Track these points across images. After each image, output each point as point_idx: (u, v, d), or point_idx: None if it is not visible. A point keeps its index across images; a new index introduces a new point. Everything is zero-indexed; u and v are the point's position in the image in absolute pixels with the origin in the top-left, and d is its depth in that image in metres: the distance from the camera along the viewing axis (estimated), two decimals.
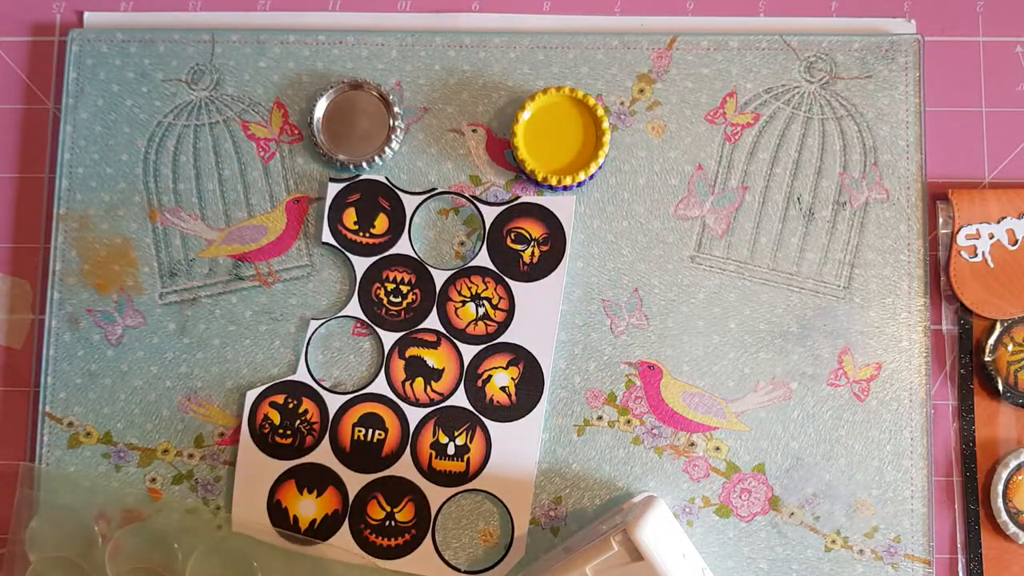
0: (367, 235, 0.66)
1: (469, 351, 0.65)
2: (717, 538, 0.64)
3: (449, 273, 0.65)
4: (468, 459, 0.64)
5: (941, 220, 0.66)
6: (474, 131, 0.67)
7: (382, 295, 0.65)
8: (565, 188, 0.65)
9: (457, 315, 0.65)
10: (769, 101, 0.67)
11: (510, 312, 0.65)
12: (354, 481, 0.64)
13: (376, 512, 0.64)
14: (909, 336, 0.65)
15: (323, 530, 0.64)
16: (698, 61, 0.67)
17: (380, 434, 0.64)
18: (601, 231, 0.66)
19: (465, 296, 0.65)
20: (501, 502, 0.64)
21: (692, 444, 0.65)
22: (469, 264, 0.65)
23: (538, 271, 0.65)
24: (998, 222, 0.66)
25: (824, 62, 0.67)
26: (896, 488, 0.64)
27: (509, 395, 0.65)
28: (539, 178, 0.65)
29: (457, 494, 0.64)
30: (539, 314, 0.65)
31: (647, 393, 0.65)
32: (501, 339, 0.65)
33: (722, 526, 0.64)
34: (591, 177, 0.65)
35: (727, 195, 0.66)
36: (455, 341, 0.65)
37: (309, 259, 0.66)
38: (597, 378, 0.65)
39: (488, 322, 0.65)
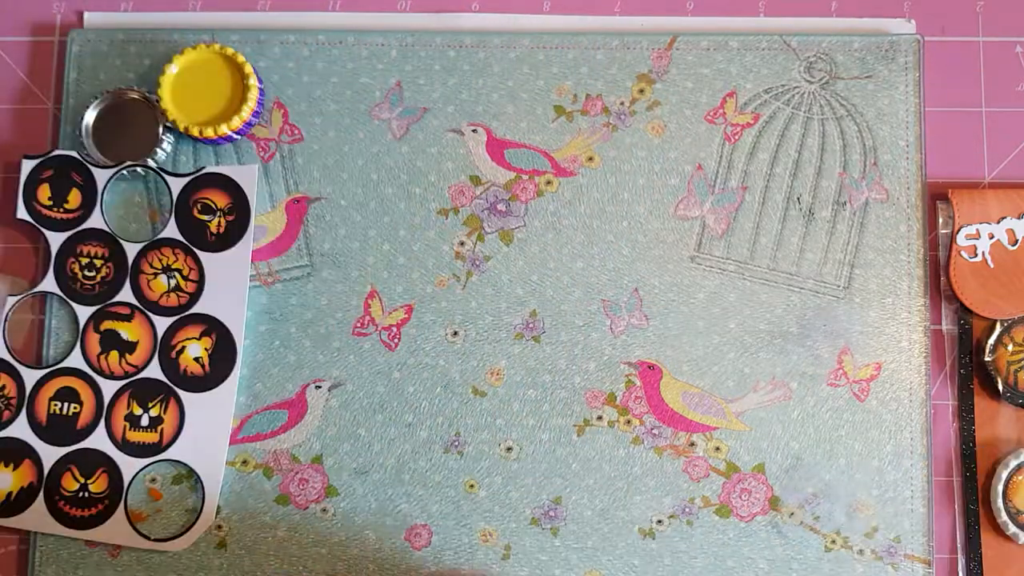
0: (61, 210, 0.66)
1: (163, 323, 0.65)
2: (717, 538, 0.64)
3: (141, 245, 0.66)
4: (162, 430, 0.64)
5: (941, 220, 0.66)
6: (474, 131, 0.67)
7: (76, 269, 0.65)
8: (218, 141, 0.65)
9: (150, 287, 0.65)
10: (769, 101, 0.67)
11: (200, 283, 0.65)
12: (49, 454, 0.64)
13: (70, 484, 0.64)
14: (909, 336, 0.65)
15: (19, 503, 0.64)
16: (698, 61, 0.67)
17: (75, 407, 0.65)
18: (601, 231, 0.66)
19: (157, 268, 0.65)
20: (194, 472, 0.64)
21: (692, 444, 0.65)
22: (160, 236, 0.66)
23: (225, 241, 0.65)
24: (998, 222, 0.66)
25: (824, 62, 0.67)
26: (896, 488, 0.64)
27: (203, 365, 0.65)
28: (181, 128, 0.65)
29: (149, 465, 0.64)
30: (229, 284, 0.65)
31: (647, 393, 0.65)
32: (193, 310, 0.65)
33: (722, 526, 0.64)
34: (241, 132, 0.66)
35: (727, 195, 0.66)
36: (148, 313, 0.65)
37: (309, 259, 0.66)
38: (597, 378, 0.65)
39: (180, 293, 0.65)
